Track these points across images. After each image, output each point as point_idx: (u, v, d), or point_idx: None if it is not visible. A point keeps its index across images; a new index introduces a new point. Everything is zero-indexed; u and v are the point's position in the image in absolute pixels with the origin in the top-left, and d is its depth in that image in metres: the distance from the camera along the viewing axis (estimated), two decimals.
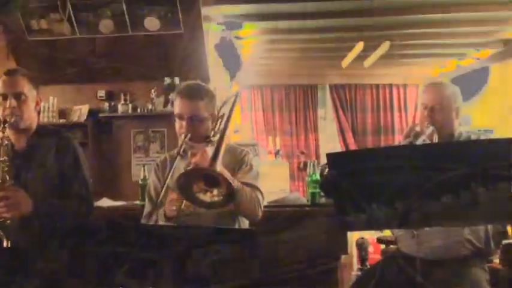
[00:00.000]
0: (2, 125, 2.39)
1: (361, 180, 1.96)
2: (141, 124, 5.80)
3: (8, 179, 2.35)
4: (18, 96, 2.45)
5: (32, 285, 1.89)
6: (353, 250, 5.94)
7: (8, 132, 2.43)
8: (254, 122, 8.93)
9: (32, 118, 2.54)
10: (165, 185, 2.30)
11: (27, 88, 2.49)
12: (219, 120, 2.50)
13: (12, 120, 2.42)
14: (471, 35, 6.52)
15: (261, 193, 2.44)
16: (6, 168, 2.36)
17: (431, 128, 2.48)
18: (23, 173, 2.48)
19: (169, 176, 2.32)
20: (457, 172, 1.86)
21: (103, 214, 3.33)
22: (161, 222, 2.35)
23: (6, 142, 2.39)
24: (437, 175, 1.87)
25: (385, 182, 1.92)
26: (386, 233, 5.01)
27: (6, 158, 2.37)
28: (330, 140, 8.95)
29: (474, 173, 1.87)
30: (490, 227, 2.53)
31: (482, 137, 2.60)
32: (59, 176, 2.51)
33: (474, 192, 1.89)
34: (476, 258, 2.50)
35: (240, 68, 6.59)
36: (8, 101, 2.44)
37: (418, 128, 2.53)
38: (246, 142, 6.53)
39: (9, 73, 2.50)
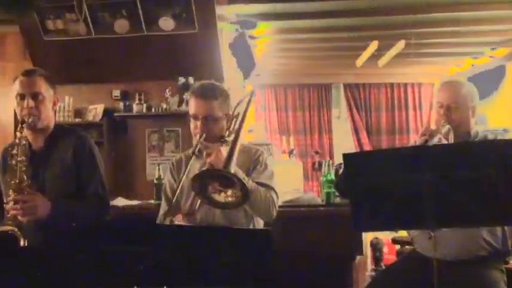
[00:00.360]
0: (20, 125, 2.41)
1: (377, 181, 1.95)
2: (156, 123, 5.82)
3: (25, 178, 2.37)
4: (36, 96, 2.47)
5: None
6: (367, 250, 5.90)
7: (26, 132, 2.45)
8: (268, 121, 8.93)
9: (49, 118, 2.56)
10: (180, 185, 2.31)
11: (44, 88, 2.51)
12: (234, 120, 2.49)
13: (30, 120, 2.43)
14: (487, 34, 6.46)
15: (276, 193, 2.43)
16: (24, 168, 2.37)
17: (447, 127, 2.45)
18: (40, 172, 2.50)
19: (185, 176, 2.33)
20: (474, 172, 1.84)
21: (118, 213, 3.34)
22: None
23: (24, 142, 2.41)
24: (455, 175, 1.86)
25: (401, 183, 1.91)
26: (402, 233, 4.97)
27: (24, 157, 2.38)
28: (343, 139, 8.91)
29: (492, 173, 1.85)
30: (507, 227, 2.50)
31: (499, 137, 2.56)
32: (75, 176, 2.53)
33: (492, 192, 1.87)
34: (493, 259, 2.48)
35: (254, 68, 6.58)
36: (26, 101, 2.46)
37: (433, 127, 2.51)
38: (260, 142, 6.52)
39: (27, 73, 2.52)
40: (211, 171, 2.22)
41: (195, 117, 2.45)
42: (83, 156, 2.55)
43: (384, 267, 6.05)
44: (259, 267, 1.73)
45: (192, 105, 2.47)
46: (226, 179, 2.16)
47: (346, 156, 2.01)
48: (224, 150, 2.28)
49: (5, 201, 2.39)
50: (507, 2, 5.22)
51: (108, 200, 2.65)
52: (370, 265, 6.17)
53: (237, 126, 2.45)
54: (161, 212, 2.59)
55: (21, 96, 2.48)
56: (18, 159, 2.37)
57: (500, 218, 1.92)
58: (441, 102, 2.57)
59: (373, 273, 5.89)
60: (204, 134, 2.40)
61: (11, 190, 2.34)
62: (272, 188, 2.42)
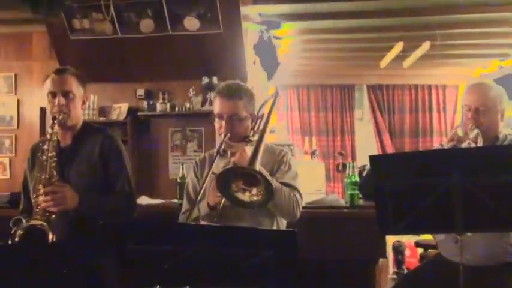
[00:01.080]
0: (52, 121, 2.45)
1: (403, 183, 1.93)
2: (179, 123, 5.84)
3: (55, 174, 2.41)
4: (67, 95, 2.52)
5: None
6: (389, 253, 5.86)
7: (55, 128, 2.49)
8: (290, 122, 8.90)
9: (78, 116, 2.60)
10: (204, 184, 2.32)
11: (75, 87, 2.56)
12: (259, 120, 2.49)
13: (60, 117, 2.47)
14: None
15: (300, 193, 2.43)
16: (53, 164, 2.42)
17: (475, 131, 2.41)
18: (66, 169, 2.53)
19: (209, 175, 2.33)
20: (504, 176, 1.81)
21: (142, 212, 3.36)
22: (203, 214, 2.36)
23: (55, 138, 2.45)
24: (484, 179, 1.83)
25: (428, 186, 1.88)
26: (426, 236, 4.92)
27: (54, 153, 2.43)
28: (366, 141, 8.84)
29: None
30: None
31: None
32: (101, 174, 2.56)
33: None
34: None
35: (277, 68, 6.57)
36: (57, 99, 2.50)
37: (461, 131, 2.47)
38: (282, 142, 6.50)
39: (59, 72, 2.57)
40: (236, 169, 2.22)
41: (220, 117, 2.46)
42: (110, 155, 2.58)
43: (405, 270, 6.01)
44: (284, 269, 1.73)
45: (217, 105, 2.48)
46: (250, 177, 2.16)
47: (372, 158, 1.99)
48: (248, 149, 2.28)
49: (33, 196, 2.43)
50: None
51: (135, 198, 2.68)
52: (391, 268, 6.13)
53: (261, 126, 2.45)
54: (183, 209, 2.60)
55: (53, 94, 2.53)
56: (49, 154, 2.41)
57: None
58: (469, 105, 2.51)
59: (395, 276, 5.85)
60: (229, 134, 2.40)
61: (40, 185, 2.39)
62: (296, 189, 2.42)
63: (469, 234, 2.15)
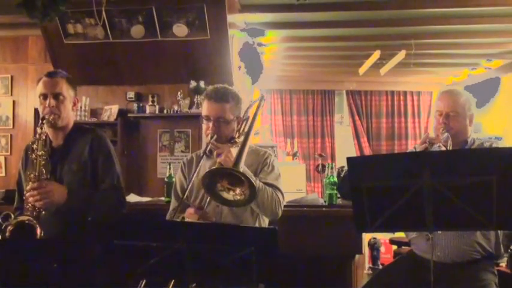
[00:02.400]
0: (40, 121, 2.43)
1: (378, 184, 1.94)
2: (167, 124, 5.81)
3: (44, 172, 2.38)
4: (57, 97, 2.50)
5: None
6: (365, 250, 5.90)
7: (47, 129, 2.48)
8: (273, 124, 8.91)
9: (69, 117, 2.58)
10: (191, 183, 2.31)
11: (65, 89, 2.53)
12: (244, 123, 2.49)
13: (51, 118, 2.45)
14: (483, 46, 6.44)
15: (282, 193, 2.43)
16: (43, 162, 2.39)
17: (446, 135, 2.43)
18: (58, 167, 2.51)
19: (195, 175, 2.33)
20: (472, 178, 1.83)
21: (130, 209, 3.34)
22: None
23: (44, 137, 2.42)
24: (453, 180, 1.84)
25: (401, 187, 1.90)
26: (399, 234, 4.96)
27: (43, 152, 2.40)
28: (345, 143, 8.90)
29: (489, 179, 1.84)
30: (500, 231, 2.49)
31: (494, 145, 2.54)
32: (92, 172, 2.54)
33: (488, 197, 1.86)
34: (486, 261, 2.47)
35: (261, 73, 6.58)
36: (48, 101, 2.48)
37: (433, 136, 2.49)
38: (266, 144, 6.51)
39: (50, 75, 2.55)
40: (221, 170, 2.22)
41: (207, 119, 2.45)
42: (100, 153, 2.57)
43: (380, 265, 6.05)
44: (265, 264, 1.73)
45: (205, 107, 2.48)
46: (235, 178, 2.16)
47: (349, 159, 1.99)
48: (234, 151, 2.28)
49: (24, 194, 2.41)
50: (503, 16, 5.21)
51: (124, 194, 2.66)
52: (367, 263, 6.18)
53: (246, 128, 2.46)
54: (171, 208, 2.59)
55: (44, 96, 2.51)
56: (38, 153, 2.39)
57: (495, 222, 1.90)
58: (440, 110, 2.55)
59: (370, 271, 5.89)
60: (215, 135, 2.40)
61: (30, 182, 2.36)
62: (278, 188, 2.42)
63: (439, 232, 2.18)
